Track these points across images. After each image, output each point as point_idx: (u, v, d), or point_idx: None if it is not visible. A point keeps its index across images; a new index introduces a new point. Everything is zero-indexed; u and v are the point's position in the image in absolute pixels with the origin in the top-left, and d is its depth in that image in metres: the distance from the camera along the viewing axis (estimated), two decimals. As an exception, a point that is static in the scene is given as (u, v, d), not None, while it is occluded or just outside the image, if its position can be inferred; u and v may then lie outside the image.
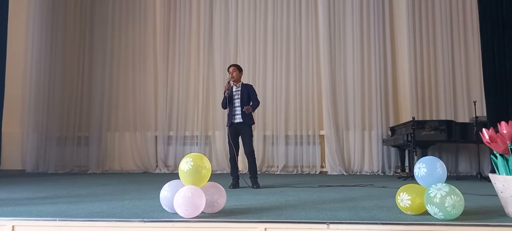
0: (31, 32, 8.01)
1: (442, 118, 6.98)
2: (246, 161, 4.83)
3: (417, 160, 3.08)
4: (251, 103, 4.77)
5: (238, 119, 4.71)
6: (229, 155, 4.80)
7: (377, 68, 7.33)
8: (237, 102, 4.74)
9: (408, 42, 7.35)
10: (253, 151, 4.76)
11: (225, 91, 4.71)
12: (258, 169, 5.69)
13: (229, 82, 4.74)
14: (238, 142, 4.77)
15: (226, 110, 4.87)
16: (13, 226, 2.43)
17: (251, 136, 4.77)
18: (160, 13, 8.02)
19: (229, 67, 4.88)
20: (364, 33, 7.47)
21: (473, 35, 7.18)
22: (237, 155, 4.74)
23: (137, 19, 8.02)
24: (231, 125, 4.71)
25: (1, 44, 6.41)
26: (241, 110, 4.69)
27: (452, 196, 2.40)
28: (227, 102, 4.70)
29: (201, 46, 7.82)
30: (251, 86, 4.92)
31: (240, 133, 4.72)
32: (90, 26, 8.08)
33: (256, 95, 4.88)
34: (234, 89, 4.79)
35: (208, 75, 7.75)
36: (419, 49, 7.33)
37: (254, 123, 4.86)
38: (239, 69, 4.87)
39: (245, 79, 7.23)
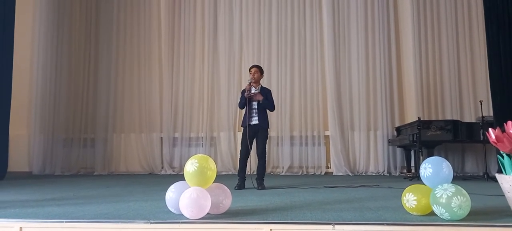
0: (37, 35, 8.08)
1: (448, 117, 6.94)
2: (253, 162, 4.82)
3: (423, 160, 3.07)
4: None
5: (255, 121, 4.71)
6: (239, 155, 4.78)
7: (382, 68, 7.31)
8: (255, 105, 4.73)
9: (413, 42, 7.32)
10: (265, 154, 4.76)
11: (245, 91, 4.71)
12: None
13: (250, 83, 4.74)
14: (252, 143, 4.76)
15: (243, 111, 4.89)
16: (20, 228, 2.45)
17: (266, 138, 4.78)
18: (165, 15, 8.06)
19: (251, 68, 4.88)
20: (369, 33, 7.45)
21: (479, 34, 7.13)
22: (249, 156, 4.75)
23: (142, 21, 8.06)
24: (248, 126, 4.69)
25: (8, 48, 6.45)
26: (258, 113, 4.70)
27: (458, 196, 2.39)
28: (246, 103, 4.70)
29: (206, 48, 7.84)
30: (269, 91, 4.92)
31: (256, 134, 4.71)
32: (96, 28, 8.13)
33: (273, 101, 4.88)
34: (253, 91, 4.77)
35: (213, 77, 7.77)
36: (424, 48, 7.30)
37: (269, 126, 4.87)
38: (260, 71, 4.88)
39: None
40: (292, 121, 7.44)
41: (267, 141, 4.82)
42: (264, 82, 7.33)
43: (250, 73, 4.83)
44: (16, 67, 6.83)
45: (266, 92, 4.85)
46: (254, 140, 4.76)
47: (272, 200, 3.55)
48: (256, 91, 4.79)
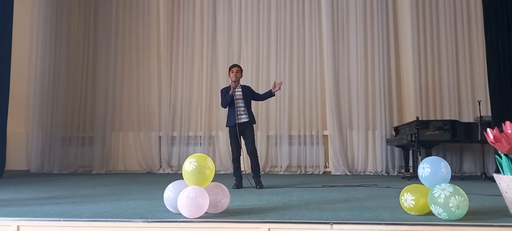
0: (35, 33, 8.06)
1: (447, 117, 6.95)
2: (249, 160, 4.84)
3: (421, 160, 3.07)
4: (251, 104, 4.97)
5: (244, 118, 4.75)
6: (232, 155, 4.81)
7: (381, 67, 7.31)
8: (241, 103, 4.78)
9: (412, 41, 7.32)
10: (256, 150, 4.78)
11: (230, 90, 4.73)
12: (261, 169, 5.72)
13: (234, 82, 4.76)
14: (241, 142, 4.78)
15: (226, 111, 4.92)
16: (18, 226, 2.45)
17: (253, 134, 4.82)
18: (164, 13, 8.05)
19: (233, 67, 4.89)
20: (368, 33, 7.45)
21: (478, 34, 7.14)
22: (241, 155, 4.77)
23: (141, 19, 8.05)
24: (235, 125, 4.72)
25: (6, 45, 6.44)
26: (247, 110, 4.77)
27: (456, 196, 2.39)
28: (232, 102, 4.73)
29: (205, 47, 7.83)
30: (249, 87, 5.04)
31: (244, 132, 4.74)
32: (94, 26, 8.12)
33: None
34: (236, 90, 4.81)
35: (212, 76, 7.76)
36: (423, 48, 7.30)
37: (255, 122, 4.92)
38: (241, 70, 4.94)
39: (248, 79, 7.28)
40: (291, 120, 7.44)
41: (254, 137, 4.84)
42: (265, 83, 7.44)
43: (232, 72, 4.82)
44: (14, 65, 6.82)
45: (249, 90, 4.95)
46: (243, 139, 4.80)
47: (271, 199, 3.55)
48: (239, 89, 4.82)
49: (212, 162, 2.74)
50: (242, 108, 4.77)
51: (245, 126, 4.74)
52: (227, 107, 4.86)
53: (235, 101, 4.75)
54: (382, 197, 3.73)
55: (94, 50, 8.06)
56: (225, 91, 4.85)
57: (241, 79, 4.92)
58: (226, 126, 4.93)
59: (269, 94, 4.90)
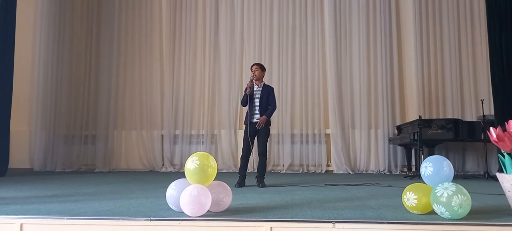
0: (38, 31, 8.09)
1: (449, 116, 6.93)
2: (254, 160, 4.81)
3: (423, 159, 3.07)
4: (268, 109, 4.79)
5: (257, 118, 4.72)
6: (242, 152, 4.77)
7: (384, 66, 7.29)
8: (257, 102, 4.75)
9: (415, 39, 7.30)
10: (266, 151, 4.76)
11: (246, 89, 4.71)
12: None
13: (252, 80, 4.74)
14: (254, 141, 4.77)
15: (246, 108, 4.89)
16: (21, 224, 2.46)
17: (268, 135, 4.77)
18: (166, 11, 8.06)
19: (252, 66, 4.89)
20: (371, 31, 7.43)
21: (481, 33, 7.12)
22: (250, 154, 4.74)
23: (143, 18, 8.06)
24: (250, 123, 4.70)
25: (9, 44, 6.46)
26: (260, 110, 4.72)
27: (459, 195, 2.38)
28: (248, 100, 4.71)
29: (207, 45, 7.84)
30: (272, 88, 4.91)
31: (257, 132, 4.72)
32: (97, 25, 8.14)
33: (275, 100, 4.85)
34: (255, 88, 4.78)
35: (214, 74, 7.77)
36: (425, 46, 7.28)
37: (270, 124, 4.87)
38: (261, 68, 4.87)
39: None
40: (293, 119, 7.44)
41: (268, 139, 4.80)
42: (266, 80, 7.41)
43: (251, 71, 4.84)
44: (17, 63, 6.84)
45: (268, 90, 4.84)
46: (256, 138, 4.77)
47: (273, 198, 3.55)
48: (259, 87, 4.76)
49: (215, 161, 2.74)
50: (256, 108, 4.74)
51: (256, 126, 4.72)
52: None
53: (252, 100, 4.73)
54: (384, 196, 3.72)
55: (97, 48, 8.09)
56: (247, 90, 4.81)
57: (263, 77, 4.86)
58: (243, 124, 4.91)
59: (269, 113, 4.78)
